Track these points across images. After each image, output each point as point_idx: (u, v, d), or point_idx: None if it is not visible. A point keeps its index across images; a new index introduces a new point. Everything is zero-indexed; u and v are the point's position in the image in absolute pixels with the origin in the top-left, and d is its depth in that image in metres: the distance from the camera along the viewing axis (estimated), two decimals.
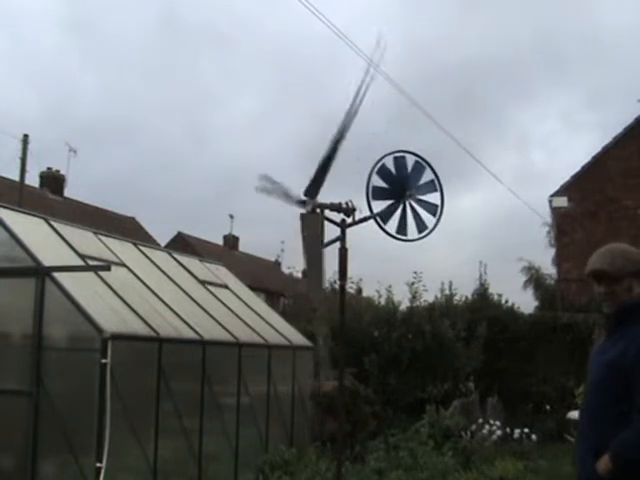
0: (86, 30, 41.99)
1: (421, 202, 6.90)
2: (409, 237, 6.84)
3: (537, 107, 41.99)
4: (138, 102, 44.81)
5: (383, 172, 6.77)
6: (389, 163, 6.82)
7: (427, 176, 6.98)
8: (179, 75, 44.20)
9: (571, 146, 41.77)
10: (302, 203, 6.41)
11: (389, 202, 6.80)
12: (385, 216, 6.76)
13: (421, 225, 6.85)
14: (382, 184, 6.78)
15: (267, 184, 6.40)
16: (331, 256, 6.76)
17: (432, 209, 6.92)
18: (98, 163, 36.79)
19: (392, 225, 6.80)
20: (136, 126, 42.36)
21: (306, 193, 6.42)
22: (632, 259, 3.16)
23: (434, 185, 6.97)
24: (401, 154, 6.88)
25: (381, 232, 6.77)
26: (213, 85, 44.77)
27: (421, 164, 6.93)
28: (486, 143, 42.96)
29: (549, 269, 23.31)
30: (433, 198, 6.97)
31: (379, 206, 6.77)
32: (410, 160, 6.90)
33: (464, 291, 14.80)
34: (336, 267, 6.72)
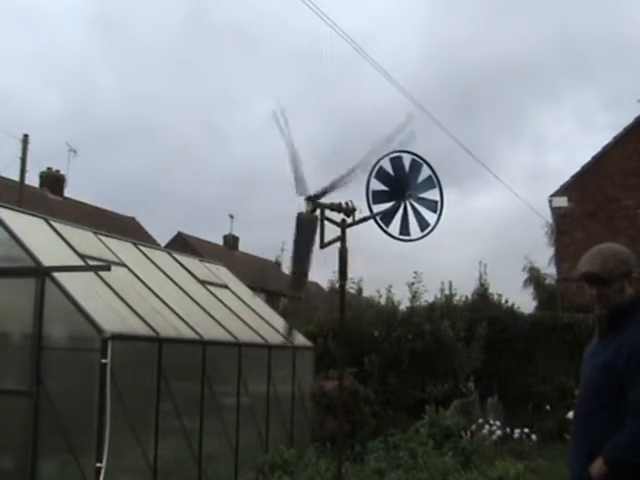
0: (110, 30, 42.04)
1: (421, 200, 6.91)
2: (411, 237, 6.85)
3: (556, 108, 41.92)
4: (157, 103, 44.88)
5: (381, 175, 6.76)
6: (386, 165, 6.81)
7: (425, 173, 6.98)
8: (200, 76, 44.19)
9: (587, 147, 41.70)
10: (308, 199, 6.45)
11: (390, 204, 6.81)
12: (387, 218, 6.75)
13: (423, 223, 6.85)
14: (381, 187, 6.78)
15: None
16: (331, 256, 6.77)
17: (432, 206, 6.92)
18: (109, 163, 36.89)
19: (395, 226, 6.80)
20: (153, 127, 42.40)
21: (297, 192, 6.43)
22: (623, 260, 3.12)
23: (432, 181, 6.97)
24: (397, 154, 6.88)
25: (382, 232, 6.79)
26: (234, 85, 44.66)
27: (418, 162, 6.93)
28: (504, 143, 43.01)
29: (550, 269, 23.29)
30: (433, 195, 6.97)
31: (380, 209, 6.78)
32: (407, 159, 6.90)
33: (465, 291, 14.82)
34: (336, 267, 6.73)
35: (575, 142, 41.93)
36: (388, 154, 6.81)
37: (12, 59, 38.52)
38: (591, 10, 37.31)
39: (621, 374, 2.94)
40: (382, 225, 6.71)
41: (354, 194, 6.82)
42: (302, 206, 6.48)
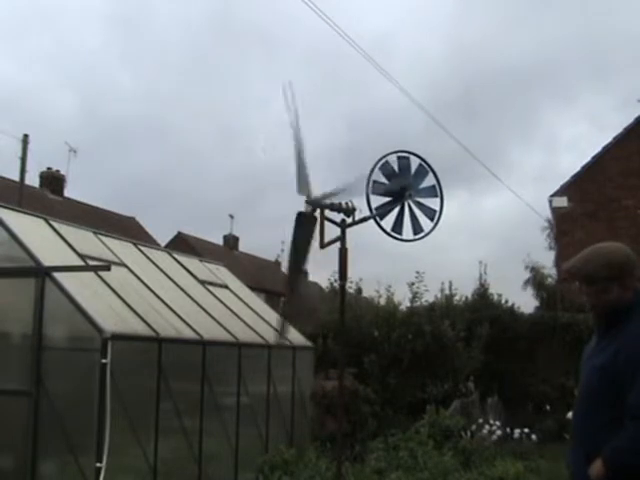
0: (127, 29, 41.99)
1: (420, 205, 6.91)
2: (404, 237, 6.86)
3: (569, 110, 41.89)
4: (173, 103, 44.82)
5: (386, 169, 6.79)
6: (393, 162, 6.84)
7: (429, 181, 6.98)
8: (217, 76, 44.09)
9: (599, 149, 41.57)
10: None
11: (388, 199, 6.82)
12: (383, 213, 6.77)
13: (417, 227, 6.85)
14: (383, 180, 6.80)
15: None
16: (332, 256, 6.78)
17: (430, 213, 6.92)
18: (111, 163, 36.88)
19: (388, 223, 6.82)
20: (166, 127, 42.32)
21: (299, 192, 6.43)
22: (613, 263, 3.09)
23: (435, 190, 6.97)
24: (406, 155, 6.89)
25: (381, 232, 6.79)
26: (250, 86, 44.55)
27: (424, 168, 6.93)
28: (517, 144, 43.01)
29: (551, 269, 23.32)
30: (433, 203, 6.97)
31: (377, 201, 6.79)
32: (414, 162, 6.91)
33: (465, 291, 14.81)
34: (336, 267, 6.74)
35: (587, 143, 41.94)
36: (397, 151, 6.83)
37: (25, 58, 38.57)
38: (610, 10, 37.20)
39: (619, 376, 2.92)
40: (380, 223, 6.72)
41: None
42: (304, 206, 6.49)
